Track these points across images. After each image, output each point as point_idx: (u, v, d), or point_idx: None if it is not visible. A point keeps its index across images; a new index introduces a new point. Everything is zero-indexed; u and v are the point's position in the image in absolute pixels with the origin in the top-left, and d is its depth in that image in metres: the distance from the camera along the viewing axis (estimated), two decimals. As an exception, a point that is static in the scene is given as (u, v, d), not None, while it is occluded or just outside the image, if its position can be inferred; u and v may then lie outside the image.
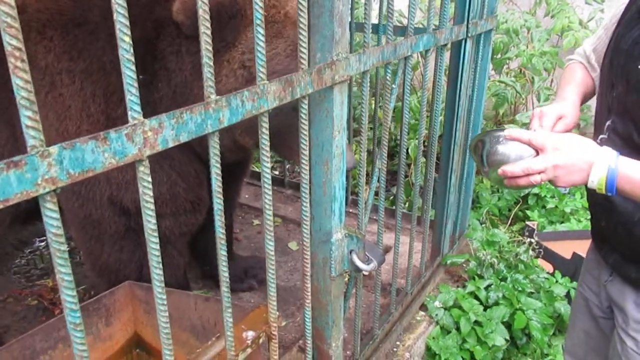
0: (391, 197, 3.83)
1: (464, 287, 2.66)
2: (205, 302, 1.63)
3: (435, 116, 2.27)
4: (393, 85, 1.89)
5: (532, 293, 2.65)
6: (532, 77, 3.57)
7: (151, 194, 0.90)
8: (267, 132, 1.17)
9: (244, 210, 3.50)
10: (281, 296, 2.69)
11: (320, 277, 1.65)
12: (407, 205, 3.61)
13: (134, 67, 0.82)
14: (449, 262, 2.73)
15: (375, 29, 2.77)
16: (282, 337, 2.40)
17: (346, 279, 2.07)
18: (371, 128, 3.54)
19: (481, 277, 2.67)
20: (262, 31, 1.08)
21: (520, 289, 2.62)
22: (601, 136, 1.42)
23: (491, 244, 2.81)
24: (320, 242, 1.61)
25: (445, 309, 2.51)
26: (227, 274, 1.18)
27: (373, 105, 3.87)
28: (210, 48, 0.97)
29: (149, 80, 1.76)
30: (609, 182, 1.18)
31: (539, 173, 1.25)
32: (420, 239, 2.58)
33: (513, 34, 3.66)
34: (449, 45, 2.19)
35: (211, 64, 0.98)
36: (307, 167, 1.38)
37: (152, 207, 0.92)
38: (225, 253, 1.15)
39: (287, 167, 3.95)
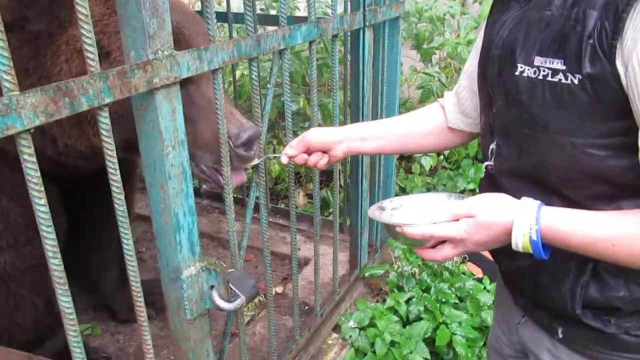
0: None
1: (385, 301, 2.42)
2: (29, 361, 1.33)
3: (334, 115, 2.01)
4: (268, 85, 1.62)
5: (457, 303, 2.44)
6: (459, 67, 3.37)
7: None
8: (32, 154, 0.88)
9: (151, 224, 3.18)
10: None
11: (176, 321, 1.38)
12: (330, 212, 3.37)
13: None
14: (367, 274, 2.49)
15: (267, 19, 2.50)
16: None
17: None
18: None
19: (402, 289, 2.44)
20: None
21: (444, 299, 2.40)
22: (487, 163, 1.18)
23: (414, 252, 2.58)
24: (170, 279, 1.33)
25: (361, 328, 2.27)
26: None
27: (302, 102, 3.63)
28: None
29: None
30: (534, 247, 0.97)
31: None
32: (340, 250, 2.33)
33: (437, 22, 3.45)
34: (341, 36, 1.93)
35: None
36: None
37: None
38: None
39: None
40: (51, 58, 1.45)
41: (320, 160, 1.45)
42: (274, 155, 1.55)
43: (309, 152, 1.45)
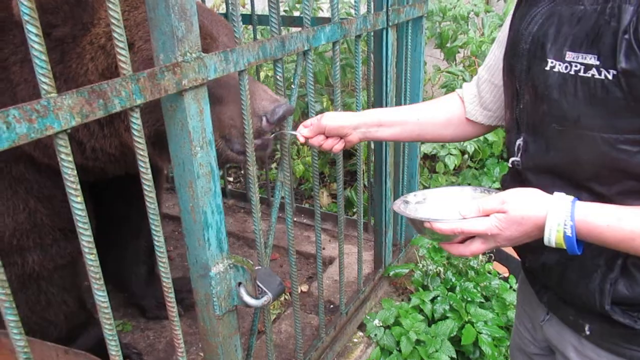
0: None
1: (410, 300, 2.42)
2: (65, 354, 1.38)
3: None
4: (292, 86, 1.65)
5: (482, 302, 2.42)
6: (483, 66, 3.35)
7: None
8: (69, 153, 0.91)
9: (179, 224, 3.24)
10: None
11: (205, 317, 1.41)
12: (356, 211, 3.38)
13: None
14: (392, 273, 2.49)
15: (291, 20, 2.53)
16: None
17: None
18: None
19: (427, 288, 2.44)
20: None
21: (469, 299, 2.39)
22: (513, 159, 1.17)
23: (439, 251, 2.58)
24: (199, 276, 1.36)
25: (386, 327, 2.27)
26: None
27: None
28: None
29: None
30: (569, 243, 0.95)
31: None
32: (364, 249, 2.34)
33: (461, 21, 3.43)
34: (364, 36, 1.95)
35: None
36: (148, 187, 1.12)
37: None
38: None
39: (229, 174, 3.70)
40: (76, 60, 1.49)
41: (336, 145, 1.45)
42: (290, 132, 1.54)
43: (325, 135, 1.46)
